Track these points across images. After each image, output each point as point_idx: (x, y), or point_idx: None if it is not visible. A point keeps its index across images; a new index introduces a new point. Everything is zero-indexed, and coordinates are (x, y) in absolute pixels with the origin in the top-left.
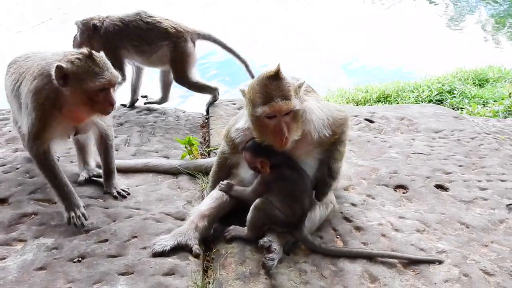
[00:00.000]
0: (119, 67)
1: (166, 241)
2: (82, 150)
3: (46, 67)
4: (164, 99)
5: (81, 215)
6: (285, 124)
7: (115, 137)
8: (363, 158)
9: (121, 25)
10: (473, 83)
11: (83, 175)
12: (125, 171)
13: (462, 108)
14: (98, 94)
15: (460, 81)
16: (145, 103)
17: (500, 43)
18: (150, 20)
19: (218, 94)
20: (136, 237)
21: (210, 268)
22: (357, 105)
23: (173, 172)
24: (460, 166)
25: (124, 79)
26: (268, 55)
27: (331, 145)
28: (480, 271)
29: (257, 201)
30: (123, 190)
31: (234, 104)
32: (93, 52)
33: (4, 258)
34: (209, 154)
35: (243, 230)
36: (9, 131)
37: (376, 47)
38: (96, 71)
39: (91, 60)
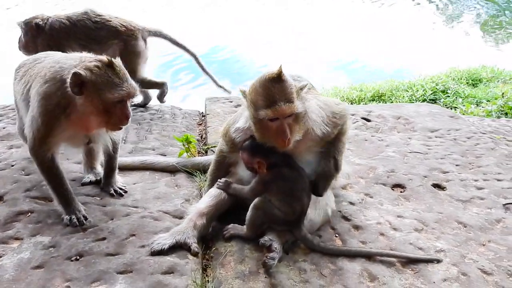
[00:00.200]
0: None
1: (164, 240)
2: (90, 155)
3: (60, 71)
4: (146, 99)
5: (81, 217)
6: (288, 126)
7: None
8: (360, 156)
9: (68, 24)
10: (467, 82)
11: (90, 177)
12: (122, 168)
13: (455, 107)
14: (115, 106)
15: (454, 81)
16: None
17: (493, 43)
18: (98, 19)
19: (167, 89)
20: (134, 235)
21: (209, 267)
22: (351, 103)
23: (171, 170)
24: (456, 165)
25: None
26: (266, 55)
27: (335, 137)
28: (478, 270)
29: (256, 200)
30: (120, 188)
31: (231, 102)
32: (113, 60)
33: (0, 257)
34: (206, 152)
35: (242, 229)
36: (4, 128)
37: (370, 47)
38: (116, 82)
39: (111, 70)
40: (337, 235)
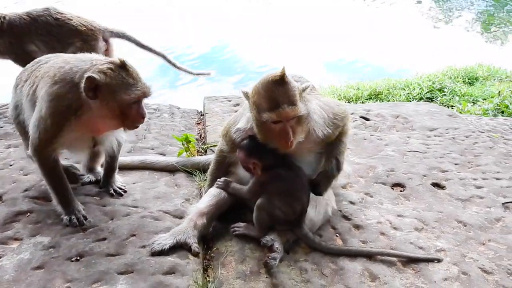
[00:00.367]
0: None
1: (165, 240)
2: (92, 156)
3: (70, 73)
4: None
5: (81, 217)
6: (290, 128)
7: None
8: (359, 156)
9: (28, 19)
10: (463, 81)
11: (90, 177)
12: (121, 168)
13: (452, 106)
14: (131, 107)
15: (450, 79)
16: None
17: (489, 41)
18: (59, 17)
19: None
20: (134, 235)
21: (210, 267)
22: (349, 102)
23: (170, 170)
24: (455, 164)
25: None
26: (264, 53)
27: (336, 138)
28: (478, 270)
29: (258, 201)
30: (119, 188)
31: (230, 101)
32: (125, 61)
33: (0, 257)
34: (205, 151)
35: (253, 229)
36: (1, 127)
37: (367, 45)
38: (131, 83)
39: (125, 71)
40: (337, 234)
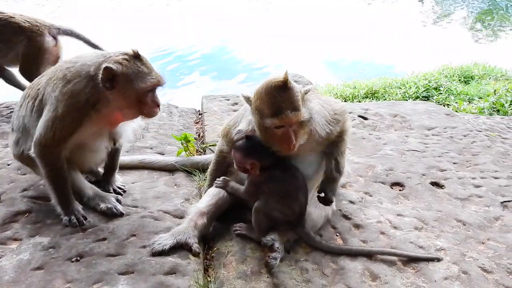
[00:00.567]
0: None
1: (165, 240)
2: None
3: (84, 67)
4: None
5: (81, 217)
6: (293, 132)
7: None
8: (358, 155)
9: None
10: (459, 80)
11: (89, 177)
12: (121, 167)
13: (448, 105)
14: (147, 95)
15: (446, 78)
16: None
17: (484, 40)
18: (1, 16)
19: None
20: (134, 235)
21: (211, 267)
22: (345, 101)
23: (169, 169)
24: (454, 163)
25: None
26: (263, 53)
27: (336, 140)
28: (478, 269)
29: (256, 203)
30: (119, 187)
31: (228, 100)
32: (138, 51)
33: None
34: (204, 151)
35: (253, 231)
36: None
37: (363, 44)
38: (146, 71)
39: (139, 61)
40: (337, 234)
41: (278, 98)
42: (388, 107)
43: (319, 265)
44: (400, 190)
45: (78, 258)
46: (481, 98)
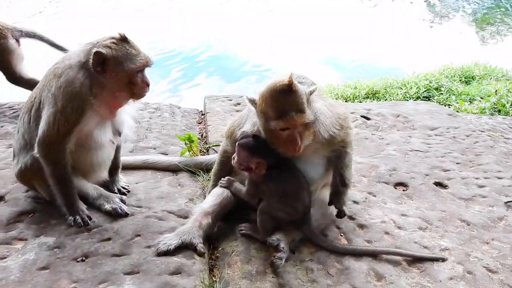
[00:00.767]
0: None
1: (170, 240)
2: None
3: (74, 57)
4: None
5: (86, 217)
6: (298, 134)
7: None
8: (361, 155)
9: None
10: (460, 80)
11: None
12: (124, 167)
13: (449, 105)
14: (136, 76)
15: (447, 78)
16: None
17: (485, 40)
18: None
19: None
20: (139, 235)
21: (216, 267)
22: (346, 101)
23: (173, 169)
24: (457, 163)
25: None
26: (263, 54)
27: (340, 148)
28: (483, 269)
29: (261, 204)
30: (123, 187)
31: (230, 100)
32: (125, 35)
33: (5, 258)
34: (207, 151)
35: (258, 232)
36: (1, 126)
37: (364, 44)
38: (134, 53)
39: (127, 43)
40: (342, 234)
41: (283, 101)
42: (390, 107)
43: (324, 265)
44: (403, 190)
45: (84, 258)
46: (482, 98)
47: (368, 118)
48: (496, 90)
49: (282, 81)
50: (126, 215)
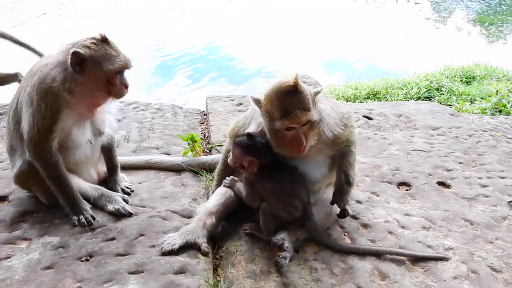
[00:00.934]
0: None
1: (174, 240)
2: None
3: (51, 58)
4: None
5: (89, 217)
6: (303, 134)
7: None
8: (364, 155)
9: None
10: (461, 80)
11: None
12: (127, 168)
13: (450, 105)
14: (115, 77)
15: (448, 79)
16: None
17: (486, 40)
18: None
19: (22, 76)
20: (143, 235)
21: (220, 266)
22: (347, 101)
23: (176, 169)
24: (460, 163)
25: None
26: (263, 54)
27: (344, 147)
28: (487, 268)
29: (262, 205)
30: (126, 187)
31: (232, 100)
32: (106, 35)
33: (9, 257)
34: (210, 151)
35: (261, 232)
36: (4, 127)
37: (365, 45)
38: (114, 54)
39: (107, 44)
40: (346, 233)
41: (288, 101)
42: (392, 107)
43: (328, 265)
44: (407, 190)
45: (88, 258)
46: (483, 98)
47: (370, 118)
48: (497, 91)
49: (288, 81)
50: (129, 215)
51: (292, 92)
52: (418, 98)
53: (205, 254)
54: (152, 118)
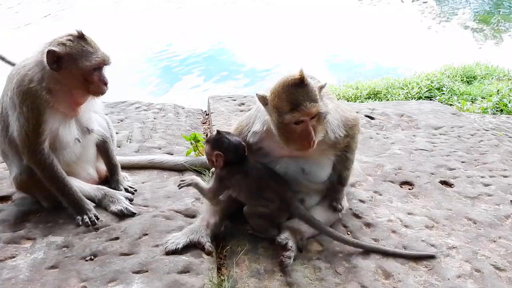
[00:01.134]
0: None
1: (178, 239)
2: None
3: (30, 59)
4: None
5: (93, 217)
6: (312, 128)
7: (116, 133)
8: (367, 154)
9: None
10: (461, 80)
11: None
12: (130, 167)
13: (451, 105)
14: (93, 74)
15: (449, 78)
16: None
17: (487, 40)
18: None
19: None
20: (147, 234)
21: (224, 266)
22: (348, 101)
23: (179, 169)
24: (462, 162)
25: None
26: (264, 54)
27: (342, 152)
28: (491, 267)
29: (244, 209)
30: (130, 187)
31: (235, 100)
32: (83, 32)
33: (14, 257)
34: None
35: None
36: None
37: (366, 45)
38: (90, 51)
39: (83, 41)
40: (349, 232)
41: (296, 94)
42: (394, 106)
43: (332, 264)
44: (409, 189)
45: (92, 257)
46: (484, 98)
47: (372, 118)
48: (497, 90)
49: (294, 75)
50: (133, 215)
51: (300, 84)
52: (419, 98)
53: (209, 253)
54: (155, 118)
